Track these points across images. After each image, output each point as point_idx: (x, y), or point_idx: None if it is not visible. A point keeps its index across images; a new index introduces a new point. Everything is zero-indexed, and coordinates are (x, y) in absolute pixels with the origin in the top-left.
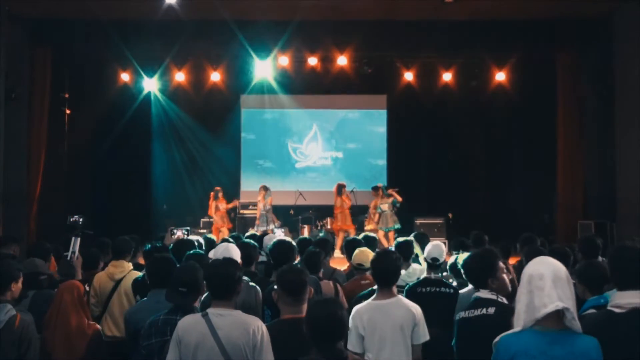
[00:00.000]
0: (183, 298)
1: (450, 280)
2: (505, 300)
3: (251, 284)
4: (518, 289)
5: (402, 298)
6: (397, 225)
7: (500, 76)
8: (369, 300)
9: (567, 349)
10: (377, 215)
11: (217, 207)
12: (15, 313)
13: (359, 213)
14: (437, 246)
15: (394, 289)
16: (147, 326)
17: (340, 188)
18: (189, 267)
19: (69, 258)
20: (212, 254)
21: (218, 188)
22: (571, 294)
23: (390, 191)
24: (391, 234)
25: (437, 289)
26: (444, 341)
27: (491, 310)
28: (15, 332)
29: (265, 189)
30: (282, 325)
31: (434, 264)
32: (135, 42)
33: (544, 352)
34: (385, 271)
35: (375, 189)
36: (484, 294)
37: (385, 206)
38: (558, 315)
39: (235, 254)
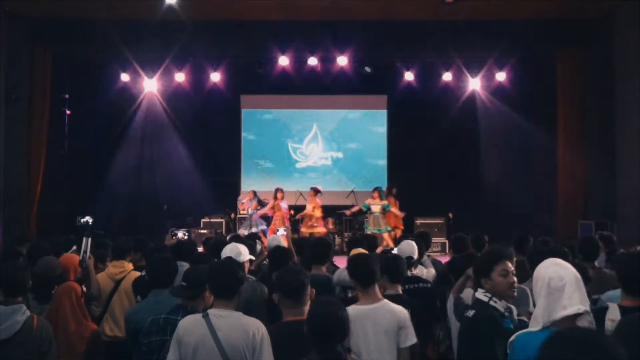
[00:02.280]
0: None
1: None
2: (501, 304)
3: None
4: (534, 291)
5: (387, 302)
6: (388, 228)
7: (501, 76)
8: (354, 305)
9: None
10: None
11: (279, 207)
12: (32, 314)
13: (359, 214)
14: (410, 244)
15: (378, 292)
16: (148, 324)
17: (389, 189)
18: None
19: (81, 258)
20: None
21: (278, 187)
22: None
23: (393, 209)
24: (387, 235)
25: (416, 285)
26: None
27: (471, 313)
28: (34, 333)
29: (254, 194)
30: (283, 327)
31: (409, 262)
32: (135, 43)
33: None
34: (363, 272)
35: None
36: (479, 294)
37: (377, 208)
38: (574, 316)
39: (244, 251)
